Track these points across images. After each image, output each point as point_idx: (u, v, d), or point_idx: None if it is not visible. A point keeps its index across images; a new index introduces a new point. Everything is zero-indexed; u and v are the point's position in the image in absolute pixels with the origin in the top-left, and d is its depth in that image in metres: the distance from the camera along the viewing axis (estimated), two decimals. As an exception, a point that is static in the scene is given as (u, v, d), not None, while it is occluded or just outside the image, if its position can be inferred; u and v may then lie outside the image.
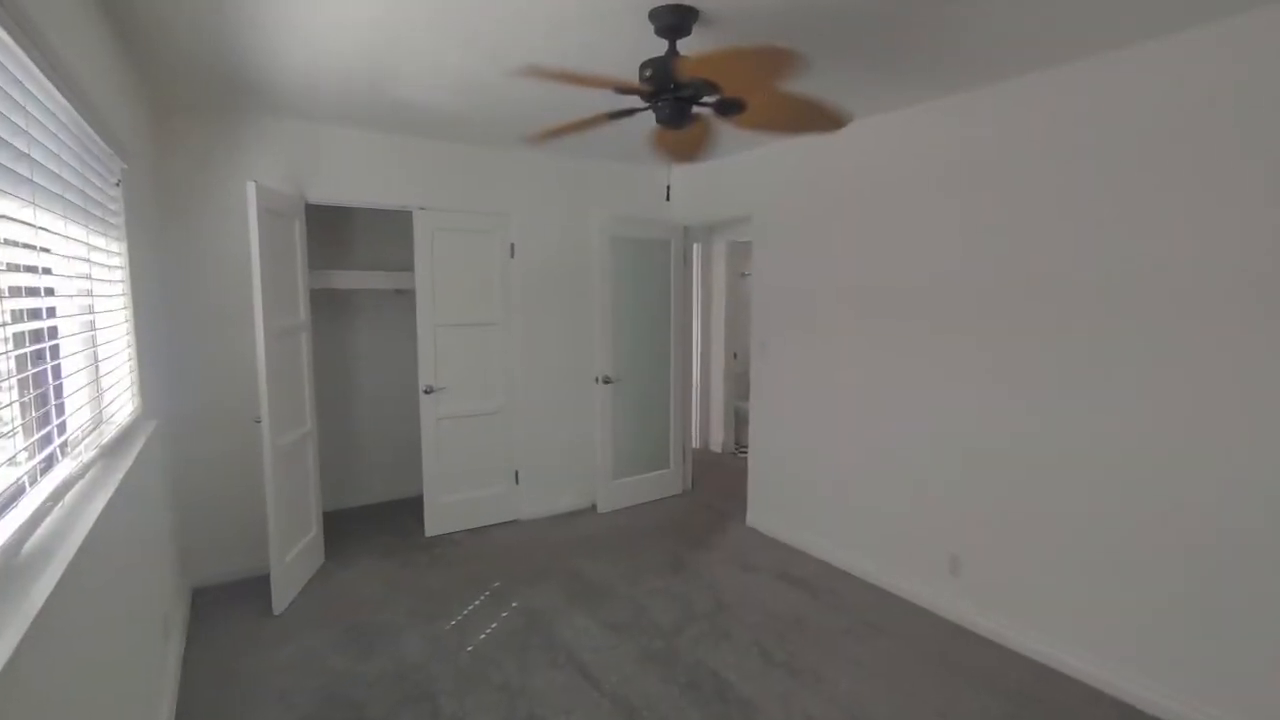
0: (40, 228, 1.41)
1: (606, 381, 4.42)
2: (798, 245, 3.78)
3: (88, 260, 1.83)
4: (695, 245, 5.74)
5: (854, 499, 3.52)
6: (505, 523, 4.30)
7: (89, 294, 1.87)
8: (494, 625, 2.98)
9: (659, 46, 2.06)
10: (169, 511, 2.85)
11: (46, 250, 1.48)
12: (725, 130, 2.35)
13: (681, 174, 4.62)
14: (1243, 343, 2.15)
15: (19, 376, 1.39)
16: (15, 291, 1.39)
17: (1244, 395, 2.15)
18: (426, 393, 3.94)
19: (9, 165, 1.24)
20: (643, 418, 4.67)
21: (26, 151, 1.32)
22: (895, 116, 3.19)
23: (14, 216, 1.29)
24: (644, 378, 4.65)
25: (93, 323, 1.91)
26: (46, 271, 1.50)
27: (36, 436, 1.42)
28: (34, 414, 1.46)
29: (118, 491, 1.68)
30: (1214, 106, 2.18)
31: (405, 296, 4.43)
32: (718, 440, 6.28)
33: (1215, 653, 2.24)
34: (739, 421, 6.12)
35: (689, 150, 2.51)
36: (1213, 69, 2.18)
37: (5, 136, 1.22)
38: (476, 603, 3.20)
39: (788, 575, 3.51)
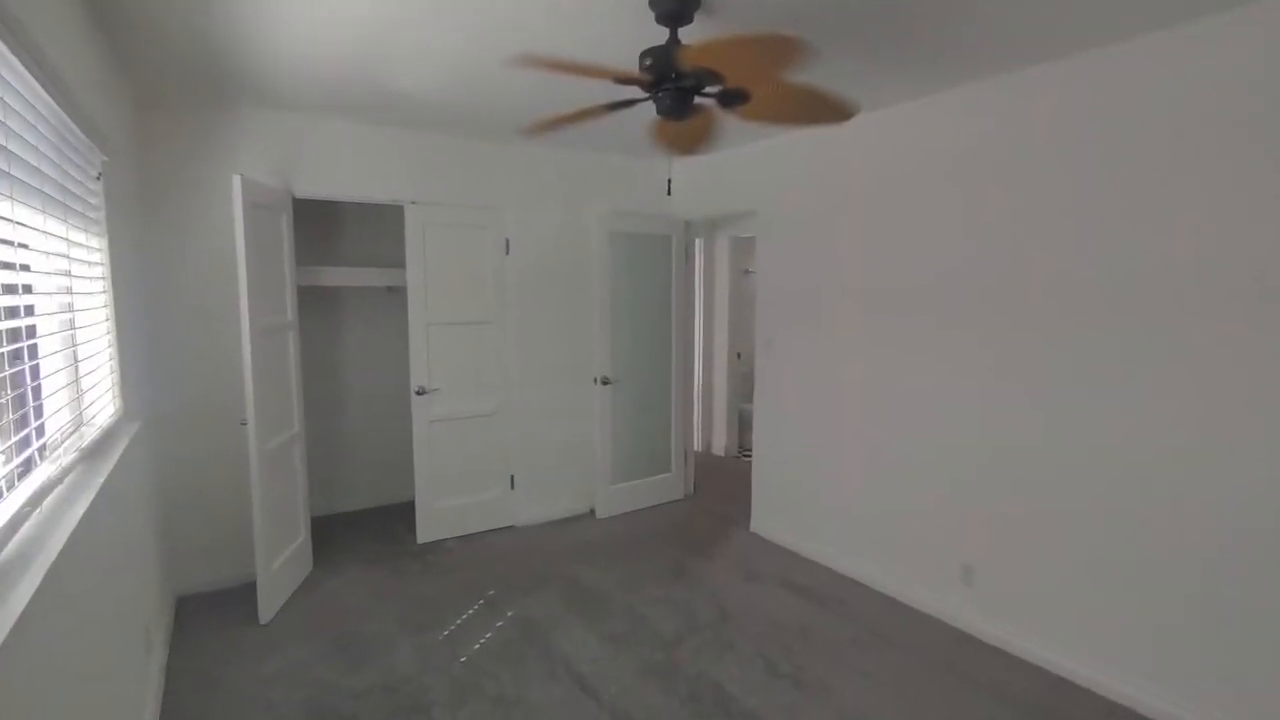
0: (17, 222, 1.41)
1: (605, 382, 4.42)
2: (803, 241, 3.79)
3: (67, 256, 1.83)
4: (697, 241, 5.74)
5: (861, 503, 3.52)
6: (500, 529, 4.30)
7: (68, 291, 1.88)
8: (489, 635, 2.98)
9: (660, 35, 2.06)
10: (152, 517, 2.85)
11: (24, 246, 1.48)
12: (729, 122, 2.35)
13: (683, 167, 4.62)
14: (1253, 341, 2.16)
15: (-4, 377, 1.39)
16: (-8, 289, 1.40)
17: (1255, 396, 2.16)
18: (419, 394, 3.94)
19: (-15, 158, 1.24)
20: (643, 420, 4.67)
21: (3, 143, 1.32)
22: (900, 110, 3.20)
23: (-10, 211, 1.29)
24: (644, 378, 4.65)
25: (72, 321, 1.92)
26: (24, 268, 1.50)
27: (14, 439, 1.42)
28: (11, 416, 1.46)
29: (99, 496, 1.68)
30: (1221, 100, 2.19)
31: (397, 294, 4.42)
32: (720, 443, 6.28)
33: (1231, 662, 2.24)
34: (742, 424, 6.13)
35: (691, 143, 2.51)
36: (1220, 61, 2.19)
37: (-19, 128, 1.22)
38: (470, 612, 3.20)
39: (792, 583, 3.51)
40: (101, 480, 1.76)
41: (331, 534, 4.14)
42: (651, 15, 2.05)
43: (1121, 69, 2.42)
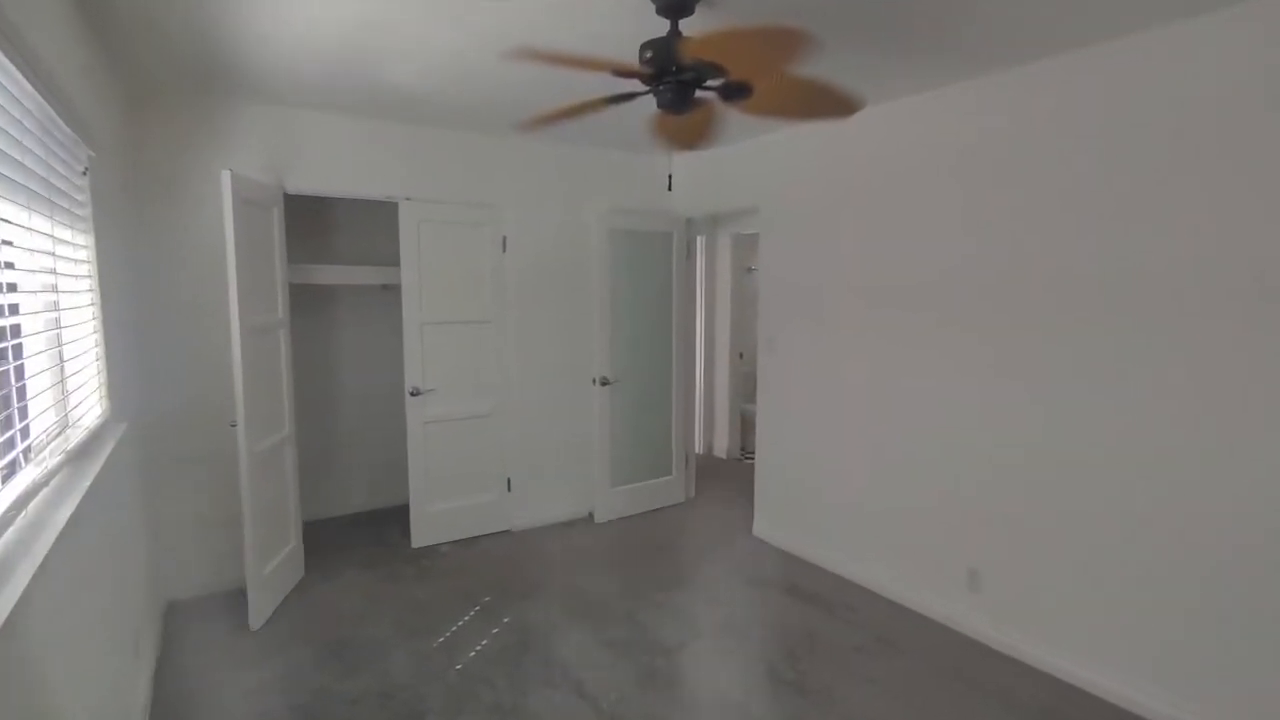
0: (1, 219, 1.41)
1: (605, 383, 4.42)
2: (806, 237, 3.79)
3: (52, 254, 1.83)
4: (699, 238, 5.74)
5: (865, 501, 3.52)
6: (497, 533, 4.30)
7: (54, 289, 1.87)
8: (485, 642, 2.98)
9: (660, 27, 2.06)
10: (141, 520, 2.84)
11: (8, 243, 1.48)
12: (731, 116, 2.34)
13: (684, 163, 4.62)
14: (1253, 341, 2.17)
15: (-21, 377, 1.39)
16: (-25, 287, 1.39)
17: (1255, 395, 2.17)
18: (413, 395, 3.93)
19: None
20: (643, 421, 4.67)
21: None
22: (903, 105, 3.21)
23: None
24: (644, 379, 4.65)
25: (58, 320, 1.91)
26: (9, 266, 1.50)
27: (-2, 441, 1.42)
28: (-5, 417, 1.45)
29: (85, 499, 1.67)
30: (1222, 97, 2.20)
31: (392, 292, 4.41)
32: (722, 445, 6.28)
33: (1232, 663, 2.24)
34: (745, 426, 6.12)
35: (692, 137, 2.50)
36: (1221, 58, 2.19)
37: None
38: (466, 618, 3.19)
39: (797, 589, 3.51)
40: (88, 483, 1.75)
41: (324, 538, 4.13)
42: (652, 7, 2.05)
43: (1123, 65, 2.43)
